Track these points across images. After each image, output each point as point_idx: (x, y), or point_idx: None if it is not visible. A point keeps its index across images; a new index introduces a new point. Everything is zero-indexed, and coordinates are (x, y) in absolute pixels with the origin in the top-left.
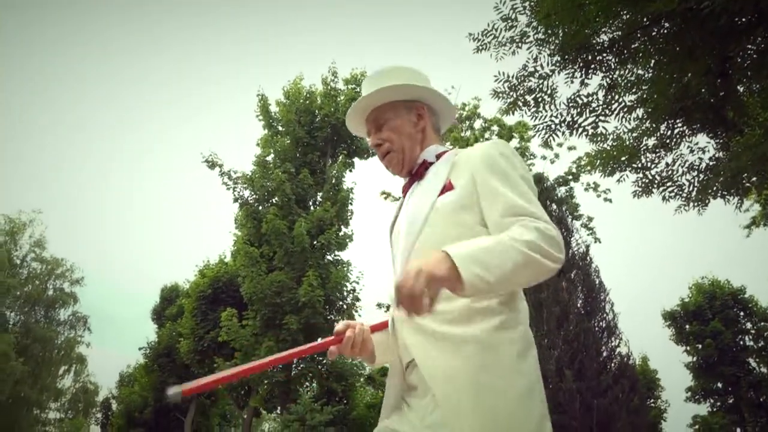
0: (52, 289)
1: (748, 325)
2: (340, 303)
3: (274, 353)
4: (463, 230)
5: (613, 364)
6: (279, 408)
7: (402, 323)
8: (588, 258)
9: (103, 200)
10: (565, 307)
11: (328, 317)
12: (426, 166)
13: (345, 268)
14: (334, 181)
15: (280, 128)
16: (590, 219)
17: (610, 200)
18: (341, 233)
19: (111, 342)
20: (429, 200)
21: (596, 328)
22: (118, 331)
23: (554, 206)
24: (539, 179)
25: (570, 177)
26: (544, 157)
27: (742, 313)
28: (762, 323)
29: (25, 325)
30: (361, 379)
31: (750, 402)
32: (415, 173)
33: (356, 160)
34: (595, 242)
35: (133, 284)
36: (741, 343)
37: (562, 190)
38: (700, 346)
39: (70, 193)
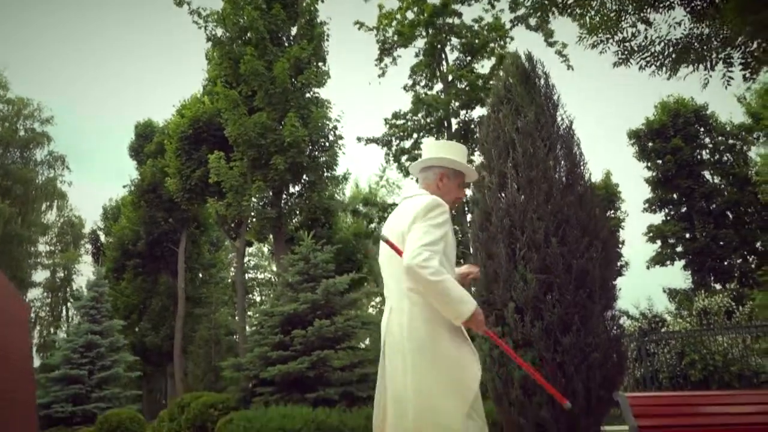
0: (23, 130)
1: (707, 140)
2: (323, 141)
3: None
4: None
5: (589, 228)
6: (272, 236)
7: None
8: (571, 132)
9: (64, 40)
10: (551, 183)
11: (313, 155)
12: None
13: (325, 107)
14: (308, 17)
15: None
16: (564, 45)
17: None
18: (319, 71)
19: (89, 177)
20: None
21: (576, 200)
22: (95, 167)
23: (541, 81)
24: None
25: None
26: None
27: (702, 129)
28: (719, 137)
29: (2, 167)
30: (344, 211)
31: (701, 210)
32: None
33: None
34: (568, 69)
35: (104, 122)
36: (698, 157)
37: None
38: (660, 161)
39: (28, 33)
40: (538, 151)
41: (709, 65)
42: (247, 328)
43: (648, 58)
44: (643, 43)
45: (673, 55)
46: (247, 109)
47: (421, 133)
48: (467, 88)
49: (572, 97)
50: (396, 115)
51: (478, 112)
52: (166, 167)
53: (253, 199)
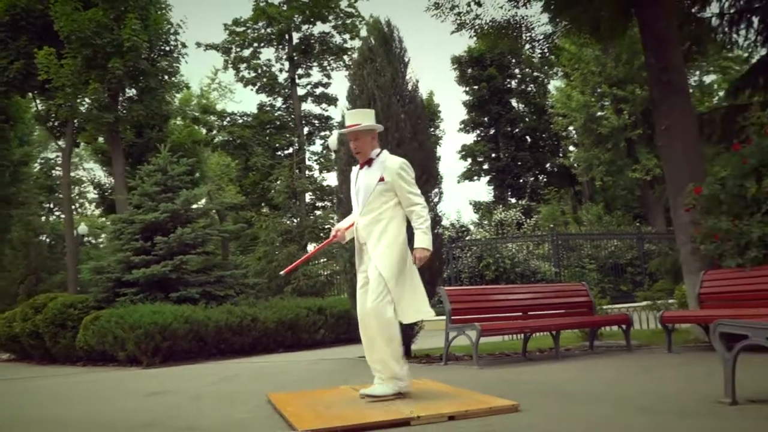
0: None
1: (516, 71)
2: (163, 45)
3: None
4: (386, 200)
5: (427, 168)
6: (106, 140)
7: (362, 229)
8: (416, 89)
9: None
10: (402, 132)
11: (152, 58)
12: (371, 161)
13: (166, 9)
14: None
15: None
16: None
17: None
18: None
19: None
20: (374, 182)
21: (419, 146)
22: None
23: (396, 43)
24: None
25: None
26: None
27: (513, 60)
28: (527, 69)
29: None
30: (183, 118)
31: (506, 134)
32: (366, 162)
33: None
34: None
35: None
36: (508, 85)
37: None
38: (476, 87)
39: None
40: (392, 105)
41: (519, 45)
42: (74, 231)
43: (477, 29)
44: (474, 21)
45: (494, 32)
46: (80, 3)
47: (262, 44)
48: (310, 3)
49: (413, 20)
50: (236, 22)
51: (320, 28)
52: None
53: (87, 101)
